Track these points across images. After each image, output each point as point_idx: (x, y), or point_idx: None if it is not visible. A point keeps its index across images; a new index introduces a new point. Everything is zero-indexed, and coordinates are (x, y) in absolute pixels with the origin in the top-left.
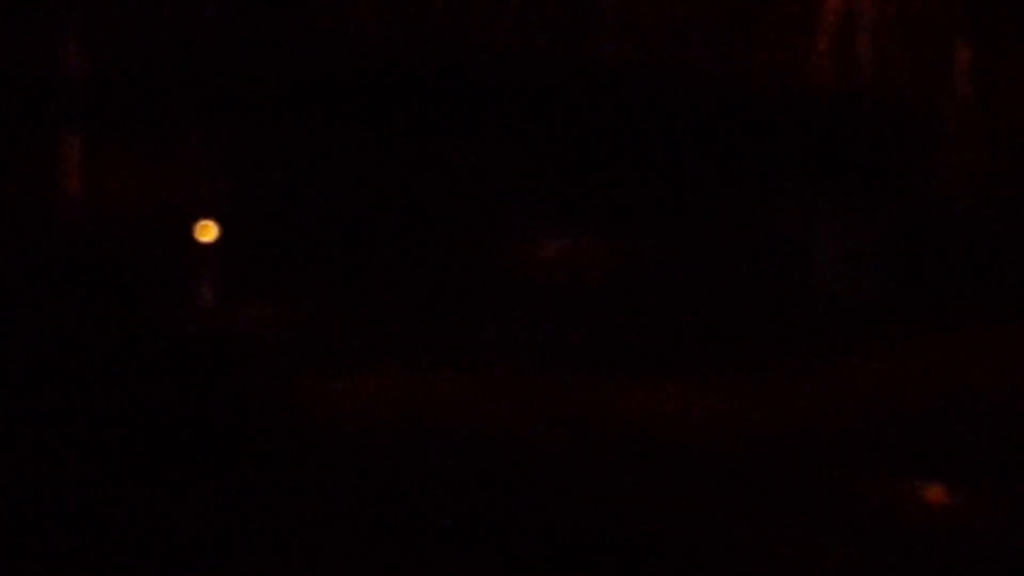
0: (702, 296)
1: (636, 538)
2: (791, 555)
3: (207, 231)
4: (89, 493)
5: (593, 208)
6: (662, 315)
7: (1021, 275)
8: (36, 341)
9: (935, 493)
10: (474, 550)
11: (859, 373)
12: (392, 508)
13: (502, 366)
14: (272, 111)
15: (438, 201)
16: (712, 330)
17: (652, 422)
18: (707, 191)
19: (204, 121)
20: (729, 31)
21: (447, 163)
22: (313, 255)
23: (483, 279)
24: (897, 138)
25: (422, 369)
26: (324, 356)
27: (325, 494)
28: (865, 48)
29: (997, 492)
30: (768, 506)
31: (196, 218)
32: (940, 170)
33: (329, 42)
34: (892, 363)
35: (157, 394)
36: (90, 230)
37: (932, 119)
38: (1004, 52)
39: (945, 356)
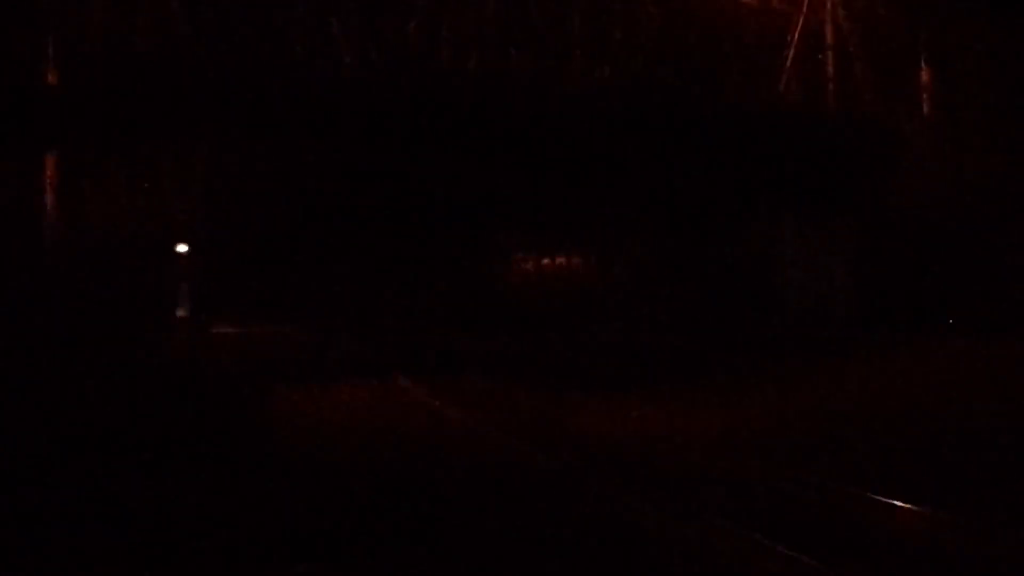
0: (675, 312)
1: (611, 545)
2: (764, 567)
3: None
4: (75, 496)
5: (560, 228)
6: (637, 330)
7: (989, 288)
8: (11, 355)
9: (907, 508)
10: (447, 550)
11: (829, 387)
12: (367, 511)
13: (473, 380)
14: (250, 131)
15: (413, 220)
16: (685, 345)
17: (621, 435)
18: (677, 209)
19: (182, 140)
20: (699, 53)
21: (424, 182)
22: (284, 271)
23: (456, 294)
24: (864, 156)
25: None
26: (296, 371)
27: (295, 497)
28: (832, 69)
29: (972, 505)
30: (740, 518)
31: (172, 238)
32: (907, 187)
33: (308, 65)
34: (862, 377)
35: (138, 404)
36: (66, 250)
37: (898, 137)
38: (966, 71)
39: (915, 369)
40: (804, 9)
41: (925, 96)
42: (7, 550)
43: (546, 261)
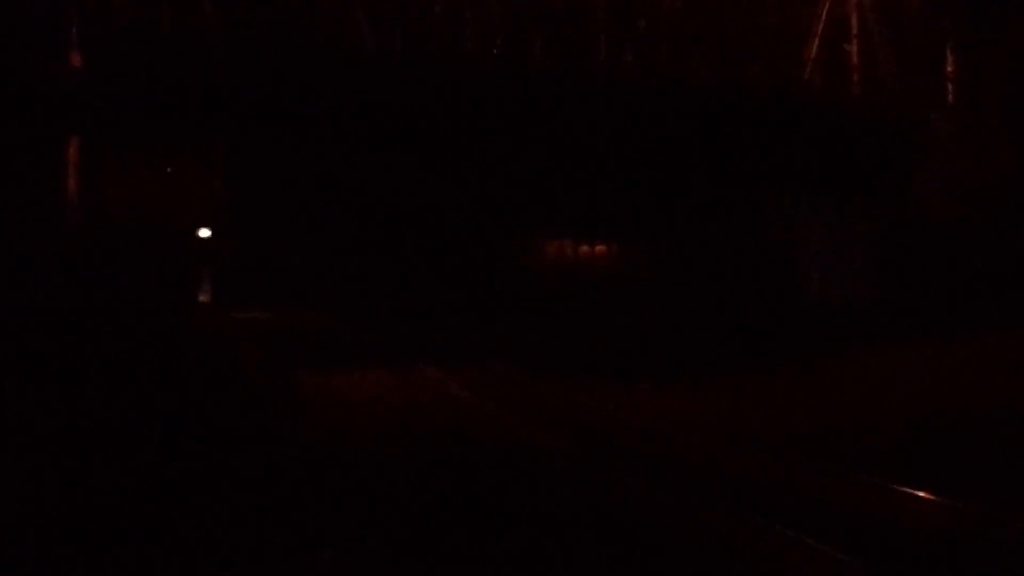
0: (693, 300)
1: (622, 535)
2: (778, 557)
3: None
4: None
5: (581, 216)
6: (654, 318)
7: (1008, 281)
8: (36, 339)
9: (924, 497)
10: (465, 539)
11: (847, 377)
12: (386, 501)
13: (491, 370)
14: (273, 117)
15: (437, 208)
16: (703, 334)
17: (638, 423)
18: (698, 198)
19: (205, 125)
20: (723, 41)
21: (449, 169)
22: (304, 262)
23: (480, 282)
24: (888, 145)
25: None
26: (319, 356)
27: (319, 489)
28: (857, 58)
29: (986, 495)
30: (753, 507)
31: (194, 223)
32: (930, 176)
33: (331, 50)
34: (880, 367)
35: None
36: (89, 234)
37: (922, 127)
38: (991, 60)
39: (933, 360)
40: None
41: (950, 85)
42: (28, 530)
43: (574, 249)
